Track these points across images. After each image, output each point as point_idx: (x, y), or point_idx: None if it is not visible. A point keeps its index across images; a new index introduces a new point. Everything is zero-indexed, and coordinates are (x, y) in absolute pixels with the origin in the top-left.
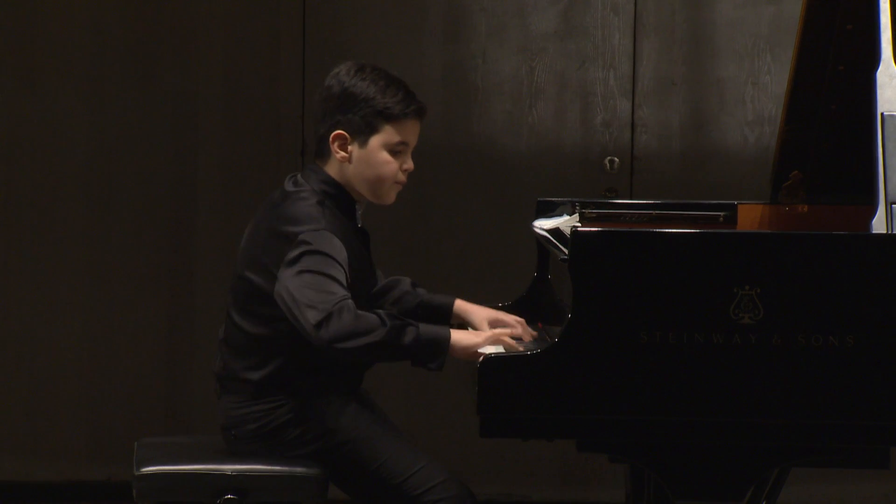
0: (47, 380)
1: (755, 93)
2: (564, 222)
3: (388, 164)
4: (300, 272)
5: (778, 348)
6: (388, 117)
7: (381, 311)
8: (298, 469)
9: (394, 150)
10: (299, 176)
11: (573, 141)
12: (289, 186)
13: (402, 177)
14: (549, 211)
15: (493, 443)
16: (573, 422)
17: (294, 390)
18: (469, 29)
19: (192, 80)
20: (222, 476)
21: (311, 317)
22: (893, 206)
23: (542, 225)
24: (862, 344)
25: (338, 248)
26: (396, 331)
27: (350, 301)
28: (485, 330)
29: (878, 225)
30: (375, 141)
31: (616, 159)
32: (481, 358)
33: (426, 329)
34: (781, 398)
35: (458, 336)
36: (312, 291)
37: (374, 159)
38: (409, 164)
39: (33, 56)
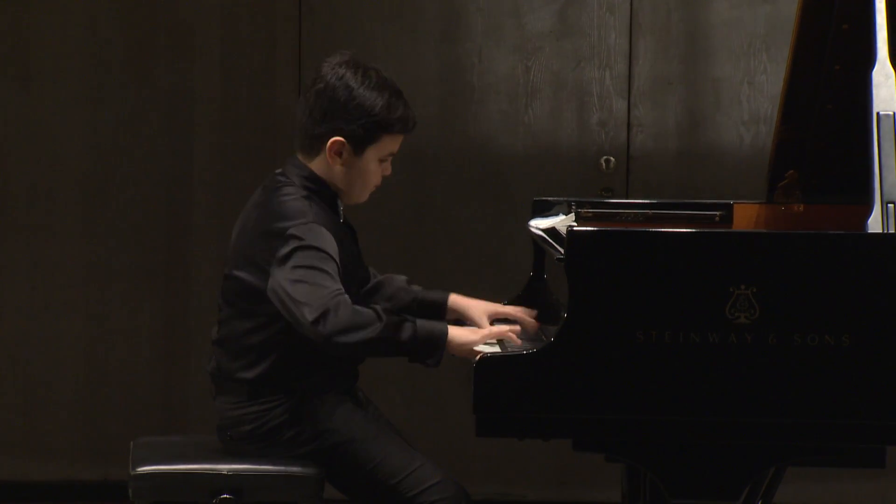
0: (43, 379)
1: (751, 92)
2: (560, 222)
3: (377, 174)
4: (293, 268)
5: (774, 348)
6: (387, 131)
7: (377, 307)
8: (295, 469)
9: (383, 160)
10: (280, 173)
11: (569, 140)
12: (272, 183)
13: (380, 181)
14: (545, 210)
15: (490, 442)
16: (569, 421)
17: (289, 390)
18: (465, 28)
19: (188, 79)
20: (218, 476)
21: (308, 313)
22: (889, 205)
23: (539, 224)
24: (858, 343)
25: (328, 242)
26: (393, 326)
27: (346, 296)
28: (484, 324)
29: (874, 224)
30: (371, 152)
31: (612, 159)
32: (477, 357)
33: (423, 325)
34: (777, 397)
35: (455, 333)
36: (307, 287)
37: (366, 168)
38: (388, 170)
39: (29, 54)
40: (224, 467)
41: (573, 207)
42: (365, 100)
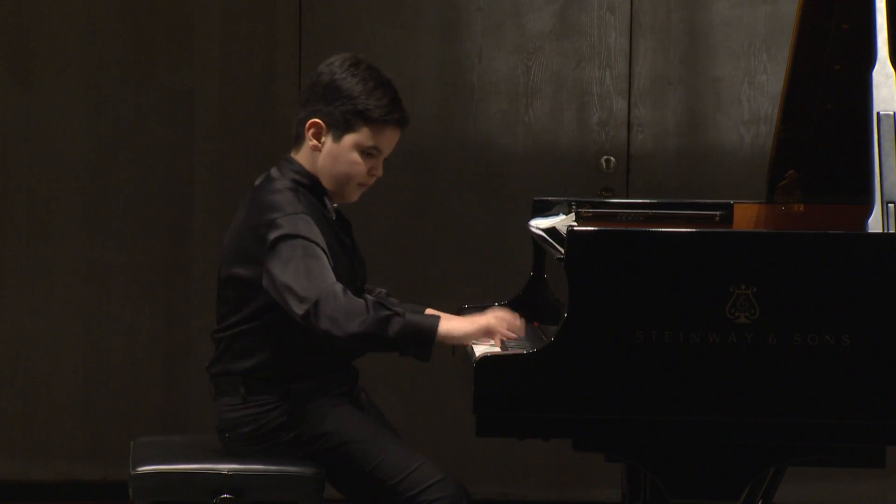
0: (43, 379)
1: (751, 92)
2: (561, 221)
3: (355, 165)
4: (282, 258)
5: (774, 347)
6: (366, 119)
7: (369, 298)
8: (295, 469)
9: (365, 153)
10: (273, 169)
11: (569, 140)
12: (263, 180)
13: (368, 180)
14: (545, 210)
15: (490, 442)
16: (569, 421)
17: (286, 392)
18: (465, 28)
19: (188, 79)
20: (218, 476)
21: (297, 306)
22: (889, 205)
23: (539, 224)
24: (858, 343)
25: (315, 232)
26: (382, 321)
27: (337, 286)
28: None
29: (875, 224)
30: (349, 139)
31: (612, 159)
32: (477, 356)
33: (413, 318)
34: (777, 397)
35: (449, 326)
36: (295, 278)
37: (344, 157)
38: (379, 171)
39: (29, 53)
40: (224, 467)
41: (573, 207)
42: (345, 83)
